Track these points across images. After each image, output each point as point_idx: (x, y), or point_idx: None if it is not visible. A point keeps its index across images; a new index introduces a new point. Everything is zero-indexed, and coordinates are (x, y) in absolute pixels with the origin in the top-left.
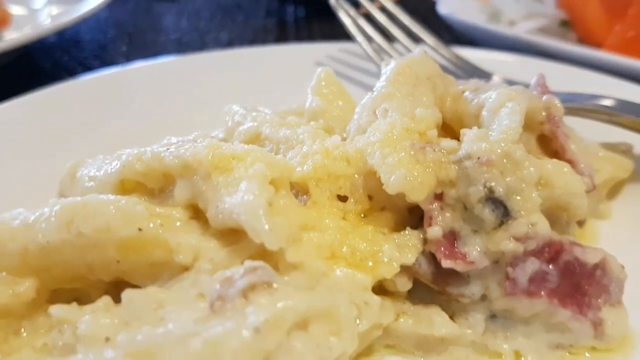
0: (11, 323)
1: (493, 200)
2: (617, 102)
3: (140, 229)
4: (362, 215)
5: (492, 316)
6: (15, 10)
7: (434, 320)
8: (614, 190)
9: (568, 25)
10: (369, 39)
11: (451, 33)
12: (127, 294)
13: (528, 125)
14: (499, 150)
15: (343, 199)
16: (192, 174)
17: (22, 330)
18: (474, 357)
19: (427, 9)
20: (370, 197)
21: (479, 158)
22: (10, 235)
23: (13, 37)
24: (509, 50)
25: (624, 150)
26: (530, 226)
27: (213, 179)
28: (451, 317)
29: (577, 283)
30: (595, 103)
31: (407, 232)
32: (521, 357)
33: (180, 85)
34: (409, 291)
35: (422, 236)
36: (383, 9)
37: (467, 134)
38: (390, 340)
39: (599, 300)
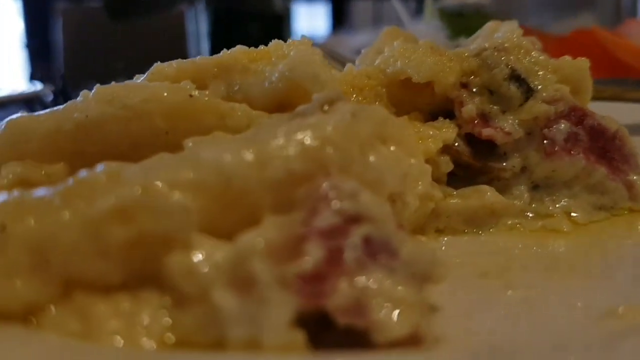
0: None
1: (516, 77)
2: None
3: (191, 95)
4: None
5: (535, 187)
6: None
7: (482, 192)
8: None
9: None
10: None
11: None
12: (189, 141)
13: None
14: (512, 40)
15: None
16: (227, 71)
17: None
18: (527, 222)
19: None
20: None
21: (495, 47)
22: (43, 119)
23: None
24: None
25: None
26: (555, 91)
27: (252, 68)
28: None
29: (603, 146)
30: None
31: (439, 120)
32: (572, 215)
33: None
34: (447, 183)
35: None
36: None
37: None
38: (440, 223)
39: (625, 166)
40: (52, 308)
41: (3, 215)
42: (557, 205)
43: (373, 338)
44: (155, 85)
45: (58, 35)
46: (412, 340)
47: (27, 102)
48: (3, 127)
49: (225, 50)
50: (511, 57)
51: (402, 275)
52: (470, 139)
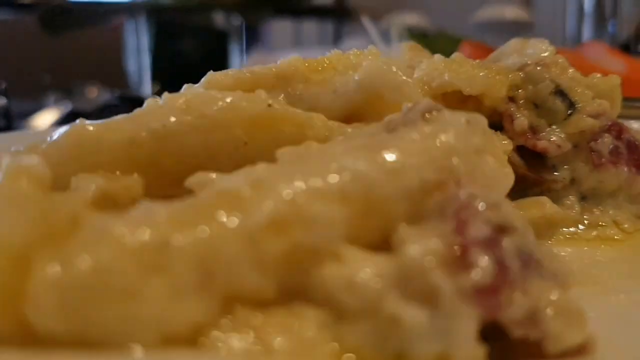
0: None
1: (559, 92)
2: None
3: (269, 105)
4: None
5: (583, 197)
6: None
7: (542, 203)
8: None
9: None
10: None
11: None
12: (282, 151)
13: None
14: (549, 55)
15: None
16: (286, 81)
17: None
18: (582, 232)
19: None
20: None
21: (536, 62)
22: (113, 128)
23: None
24: None
25: None
26: (598, 106)
27: (314, 78)
28: None
29: (638, 159)
30: None
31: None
32: (619, 224)
33: None
34: None
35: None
36: None
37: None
38: None
39: None
40: (219, 326)
41: (160, 230)
42: (605, 215)
43: (546, 348)
44: (232, 95)
45: None
46: (582, 349)
47: None
48: (62, 135)
49: (284, 59)
50: (552, 73)
51: (553, 284)
52: (520, 152)
